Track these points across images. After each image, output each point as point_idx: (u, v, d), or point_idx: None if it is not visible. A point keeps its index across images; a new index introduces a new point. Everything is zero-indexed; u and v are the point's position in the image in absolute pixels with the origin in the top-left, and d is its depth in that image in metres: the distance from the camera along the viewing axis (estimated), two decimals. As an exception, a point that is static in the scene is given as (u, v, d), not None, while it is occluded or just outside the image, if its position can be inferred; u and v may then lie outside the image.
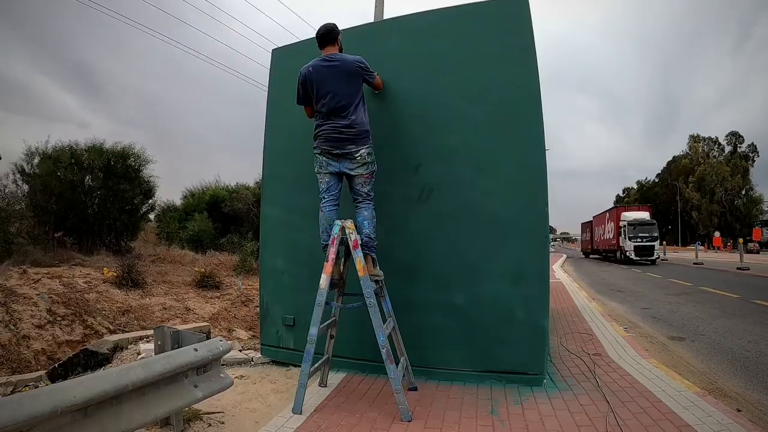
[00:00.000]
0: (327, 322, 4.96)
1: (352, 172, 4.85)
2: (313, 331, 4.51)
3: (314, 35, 5.12)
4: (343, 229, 4.64)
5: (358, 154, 4.80)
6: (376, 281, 4.75)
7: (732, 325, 9.11)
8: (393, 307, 5.14)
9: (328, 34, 5.00)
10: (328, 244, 4.68)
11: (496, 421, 4.16)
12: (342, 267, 5.02)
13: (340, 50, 5.11)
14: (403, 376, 4.74)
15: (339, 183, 4.99)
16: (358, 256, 4.53)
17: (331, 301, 4.92)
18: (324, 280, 4.55)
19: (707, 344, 7.65)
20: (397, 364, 4.46)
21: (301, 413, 4.29)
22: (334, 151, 4.80)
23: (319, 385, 5.09)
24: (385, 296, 4.96)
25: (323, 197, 4.96)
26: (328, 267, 4.58)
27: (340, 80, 4.81)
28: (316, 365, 4.75)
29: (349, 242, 4.61)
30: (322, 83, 4.82)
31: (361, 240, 4.74)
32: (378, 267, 4.92)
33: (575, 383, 5.16)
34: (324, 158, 4.88)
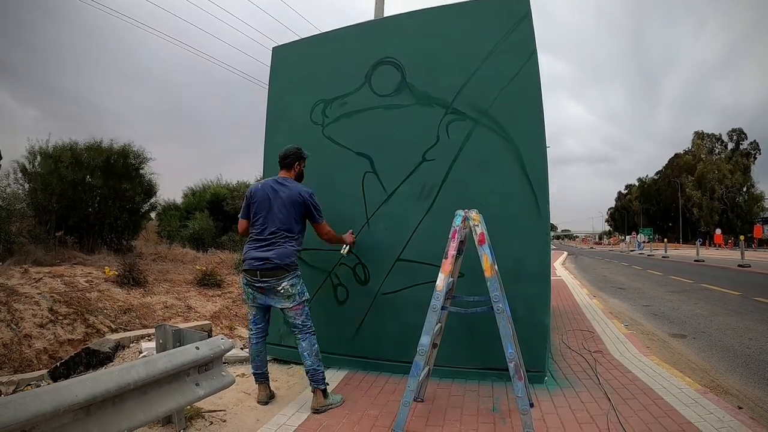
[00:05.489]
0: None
1: (279, 306, 4.59)
2: (426, 340, 3.99)
3: (314, 34, 5.01)
4: (465, 219, 4.11)
5: (281, 288, 4.50)
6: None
7: (733, 322, 9.12)
8: (396, 306, 5.16)
9: (284, 159, 4.86)
10: (448, 238, 4.15)
11: (498, 419, 4.17)
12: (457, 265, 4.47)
13: (297, 177, 4.91)
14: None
15: (266, 314, 4.84)
16: (485, 253, 3.96)
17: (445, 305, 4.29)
18: (441, 281, 4.01)
19: (708, 341, 7.66)
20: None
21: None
22: (256, 284, 4.56)
23: (415, 400, 4.53)
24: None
25: (250, 329, 4.88)
26: (446, 265, 4.05)
27: (282, 204, 4.61)
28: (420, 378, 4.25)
29: (474, 236, 4.05)
30: (261, 203, 4.64)
31: (307, 371, 4.53)
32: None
33: (576, 380, 5.18)
34: (249, 290, 4.66)
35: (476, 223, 4.06)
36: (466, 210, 4.13)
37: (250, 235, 4.69)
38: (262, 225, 4.59)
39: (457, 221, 4.12)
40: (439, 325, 4.48)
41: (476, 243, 4.02)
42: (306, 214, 4.72)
